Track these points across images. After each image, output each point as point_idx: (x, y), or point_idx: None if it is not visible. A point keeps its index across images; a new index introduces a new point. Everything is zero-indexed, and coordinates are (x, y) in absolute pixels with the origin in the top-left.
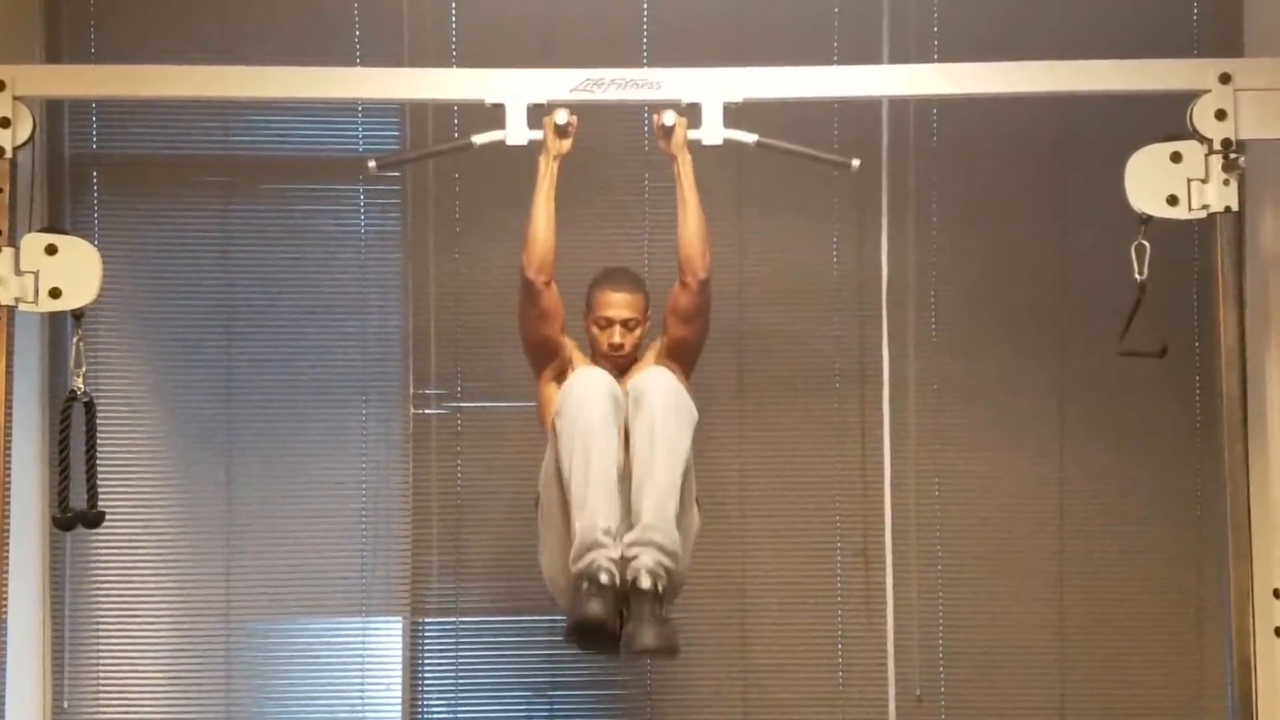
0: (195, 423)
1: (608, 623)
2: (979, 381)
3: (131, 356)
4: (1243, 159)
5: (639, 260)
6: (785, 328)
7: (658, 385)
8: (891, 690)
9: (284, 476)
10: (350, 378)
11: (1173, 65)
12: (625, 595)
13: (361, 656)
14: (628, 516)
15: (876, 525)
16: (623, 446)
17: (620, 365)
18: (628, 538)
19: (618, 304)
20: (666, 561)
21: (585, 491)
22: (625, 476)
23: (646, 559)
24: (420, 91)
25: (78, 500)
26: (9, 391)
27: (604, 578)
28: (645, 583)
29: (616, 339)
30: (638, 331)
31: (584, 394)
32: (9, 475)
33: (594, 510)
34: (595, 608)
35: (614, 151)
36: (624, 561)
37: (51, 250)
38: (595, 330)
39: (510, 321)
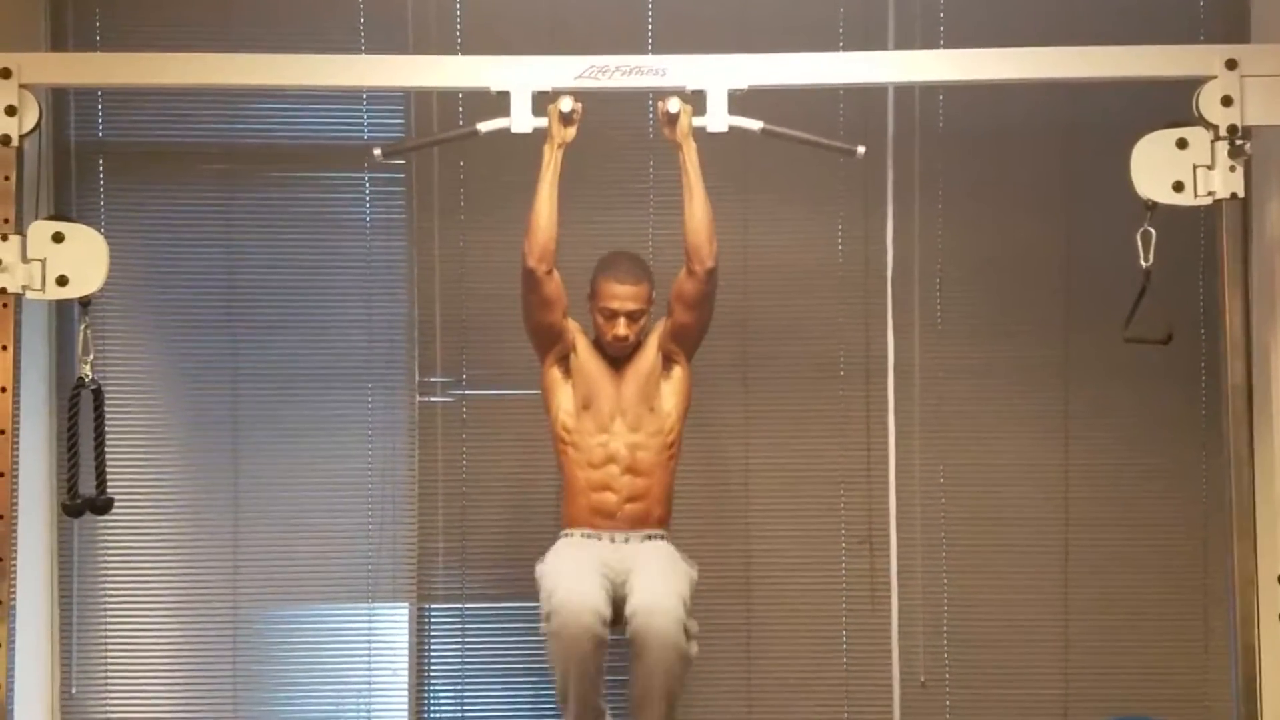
0: (202, 410)
1: None
2: (984, 368)
3: (138, 343)
4: (1249, 145)
5: (643, 247)
6: (790, 315)
7: (660, 629)
8: (896, 676)
9: (290, 464)
10: (356, 366)
11: (1179, 51)
12: None
13: (368, 642)
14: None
15: (881, 512)
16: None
17: (623, 351)
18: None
19: (623, 296)
20: None
21: (571, 705)
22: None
23: None
24: (425, 79)
25: (86, 487)
26: (17, 379)
27: None
28: None
29: (621, 331)
30: (642, 321)
31: (574, 608)
32: (17, 462)
33: None
34: None
35: (619, 139)
36: None
37: (58, 238)
38: (600, 320)
39: (515, 309)
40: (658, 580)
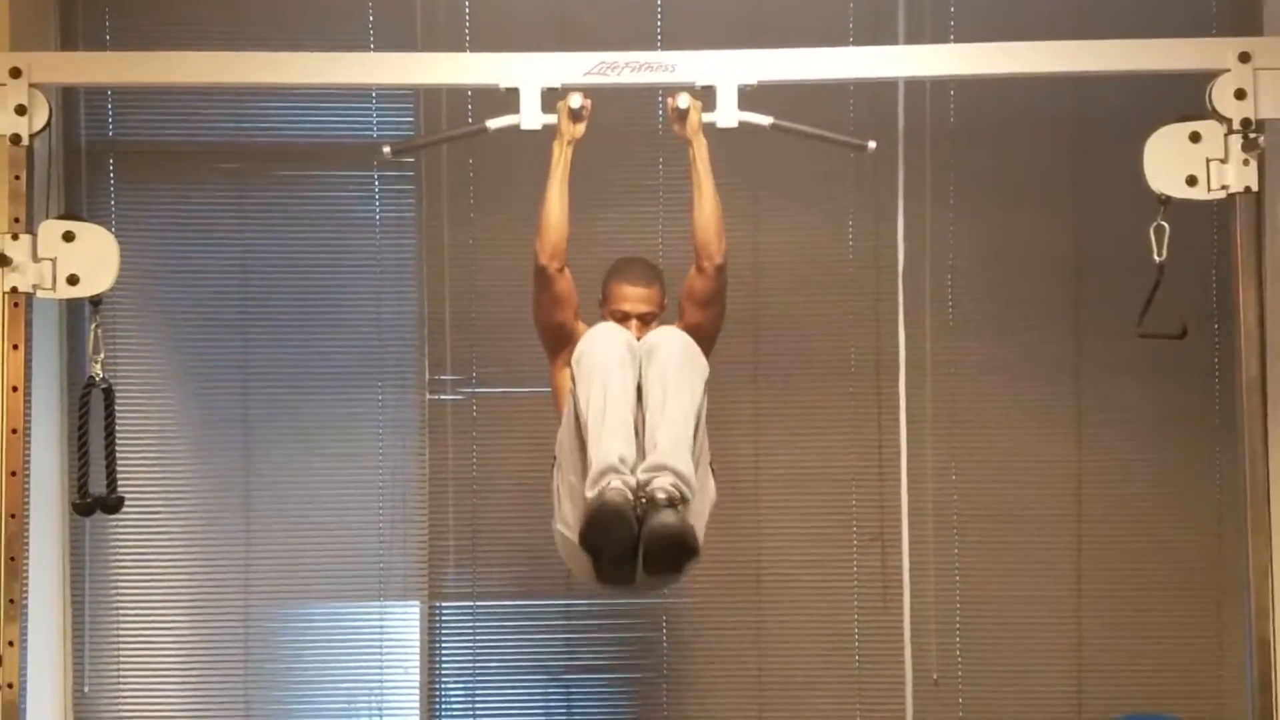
0: (213, 408)
1: (625, 511)
2: (996, 365)
3: (149, 342)
4: (1263, 139)
5: (653, 245)
6: (801, 312)
7: (669, 337)
8: (909, 674)
9: (301, 462)
10: (366, 364)
11: (1191, 44)
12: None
13: (379, 641)
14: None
15: (893, 509)
16: (637, 402)
17: None
18: (642, 466)
19: (634, 298)
20: (683, 487)
21: (601, 427)
22: (639, 429)
23: (663, 481)
24: (434, 76)
25: (97, 486)
26: (28, 378)
27: (616, 497)
28: (662, 496)
29: (634, 335)
30: (654, 324)
31: (603, 340)
32: (29, 461)
33: (610, 442)
34: (614, 496)
35: (628, 136)
36: (640, 489)
37: (69, 237)
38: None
39: (525, 307)
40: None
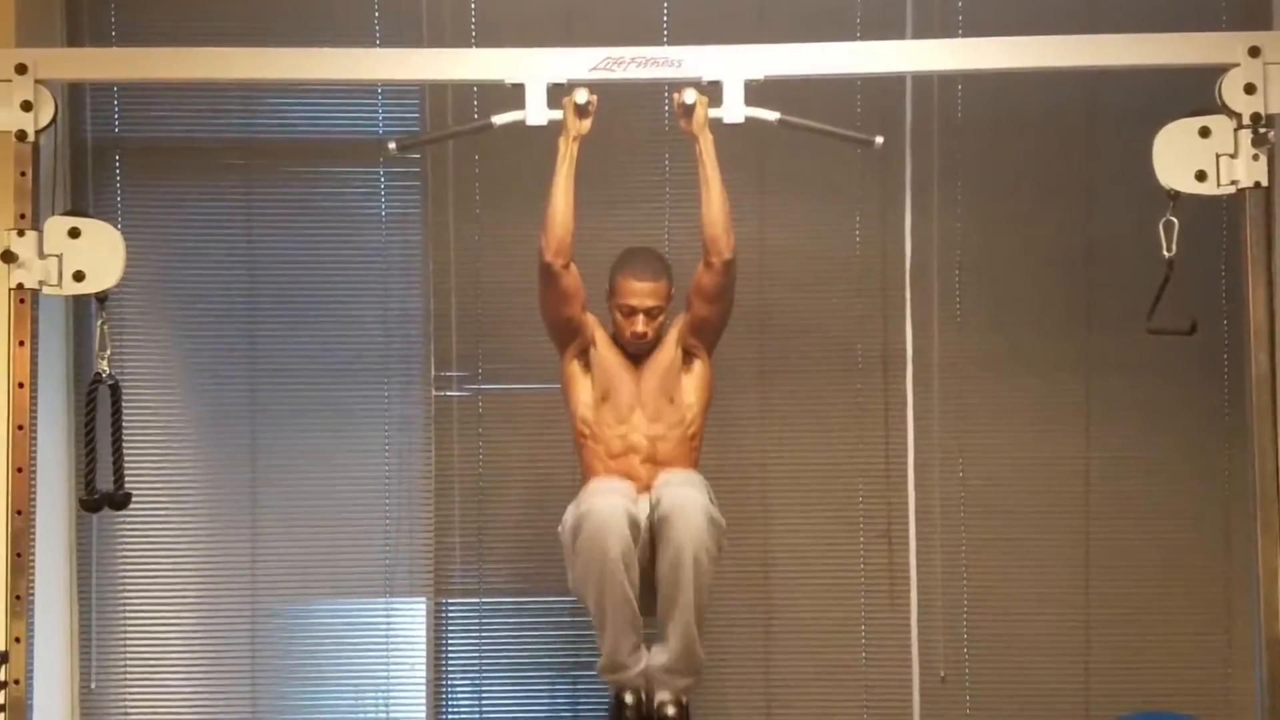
0: (219, 405)
1: (639, 706)
2: (1004, 361)
3: (155, 339)
4: (1273, 133)
5: (659, 241)
6: (808, 308)
7: (685, 510)
8: (915, 671)
9: (307, 459)
10: (372, 360)
11: (1200, 39)
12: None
13: (386, 637)
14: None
15: (900, 506)
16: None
17: (642, 347)
18: (656, 664)
19: (641, 293)
20: (688, 687)
21: (605, 618)
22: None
23: (668, 695)
24: (440, 72)
25: (104, 482)
26: (35, 375)
27: (629, 699)
28: (671, 712)
29: (640, 328)
30: (661, 318)
31: (602, 524)
32: (36, 458)
33: (615, 639)
34: (629, 698)
35: (634, 131)
36: (649, 681)
37: (75, 233)
38: (619, 317)
39: (531, 303)
40: (681, 480)
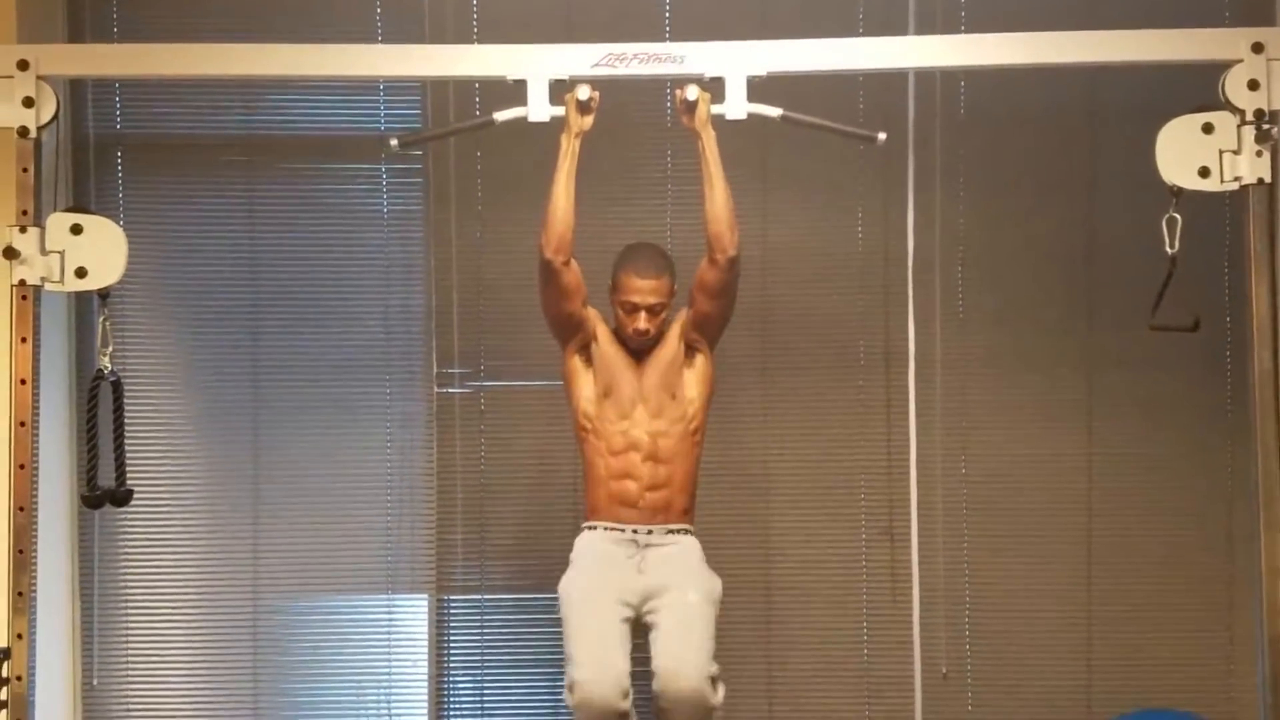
0: (221, 401)
1: None
2: (1006, 358)
3: (157, 335)
4: (1276, 130)
5: (662, 237)
6: (810, 304)
7: (683, 677)
8: (918, 668)
9: (309, 455)
10: (374, 357)
11: (1204, 35)
12: None
13: (388, 633)
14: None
15: (902, 503)
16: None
17: (644, 343)
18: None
19: (644, 290)
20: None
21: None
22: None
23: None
24: (441, 68)
25: (106, 479)
26: (37, 371)
27: None
28: None
29: (642, 325)
30: (663, 314)
31: (596, 688)
32: (38, 454)
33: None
34: None
35: (637, 128)
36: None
37: (77, 230)
38: (621, 313)
39: (533, 300)
40: (679, 635)
